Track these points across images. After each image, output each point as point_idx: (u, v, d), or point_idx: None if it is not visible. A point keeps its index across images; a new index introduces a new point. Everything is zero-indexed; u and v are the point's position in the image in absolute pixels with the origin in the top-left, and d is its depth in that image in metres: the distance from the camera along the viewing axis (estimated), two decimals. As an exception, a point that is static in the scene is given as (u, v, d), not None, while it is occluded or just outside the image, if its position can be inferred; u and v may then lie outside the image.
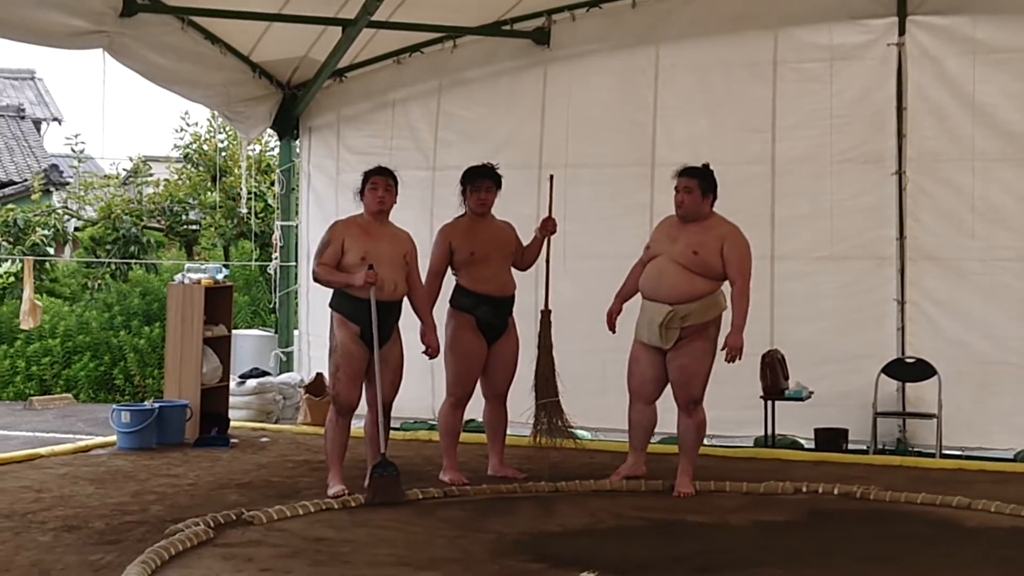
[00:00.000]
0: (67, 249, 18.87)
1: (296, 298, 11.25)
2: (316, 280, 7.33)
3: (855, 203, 9.36)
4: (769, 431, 9.06)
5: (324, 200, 10.85)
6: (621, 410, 7.75)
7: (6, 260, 15.81)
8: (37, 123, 26.19)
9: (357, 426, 7.66)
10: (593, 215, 9.77)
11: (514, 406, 7.89)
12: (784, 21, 9.57)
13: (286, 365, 11.18)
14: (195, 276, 9.75)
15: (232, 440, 9.28)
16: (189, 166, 18.06)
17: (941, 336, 9.15)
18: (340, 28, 9.52)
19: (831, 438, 9.08)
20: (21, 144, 24.09)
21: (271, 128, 11.23)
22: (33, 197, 17.71)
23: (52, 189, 20.08)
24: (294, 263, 11.22)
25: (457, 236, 7.69)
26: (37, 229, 16.32)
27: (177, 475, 7.95)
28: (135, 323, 14.54)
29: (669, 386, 7.46)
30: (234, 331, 10.51)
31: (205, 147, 17.83)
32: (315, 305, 10.50)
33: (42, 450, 8.74)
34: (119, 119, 25.47)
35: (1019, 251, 9.01)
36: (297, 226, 11.24)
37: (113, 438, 9.11)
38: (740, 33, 9.67)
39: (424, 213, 9.92)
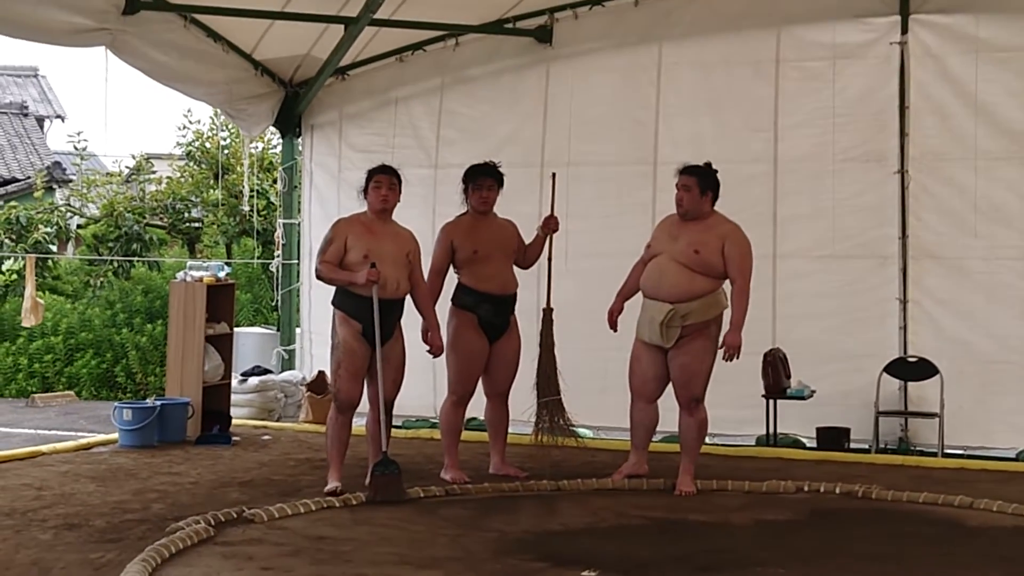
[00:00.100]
0: (70, 247, 18.87)
1: (298, 296, 11.24)
2: (319, 278, 7.33)
3: (857, 202, 9.35)
4: (771, 430, 9.05)
5: (326, 198, 10.85)
6: (623, 408, 7.75)
7: (9, 258, 15.81)
8: (40, 120, 26.20)
9: (359, 424, 7.66)
10: (595, 213, 9.76)
11: (516, 404, 7.89)
12: (787, 19, 9.56)
13: (288, 363, 11.18)
14: (197, 274, 9.75)
15: (234, 438, 9.28)
16: (192, 164, 18.08)
17: (943, 335, 9.14)
18: (342, 26, 9.52)
19: (833, 437, 9.07)
20: (24, 141, 24.10)
21: (273, 126, 11.22)
22: (35, 194, 17.71)
23: (55, 186, 20.08)
24: (296, 261, 11.22)
25: (459, 234, 7.69)
26: (40, 226, 16.32)
27: (178, 473, 7.95)
28: (137, 321, 14.55)
29: (671, 385, 7.46)
30: (236, 329, 10.52)
31: (208, 145, 17.85)
32: (317, 303, 10.50)
33: (43, 447, 8.74)
34: (122, 116, 25.53)
35: (1022, 250, 9.00)
36: (299, 224, 11.23)
37: (115, 436, 9.11)
38: (742, 31, 9.67)
39: (426, 211, 9.92)
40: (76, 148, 19.53)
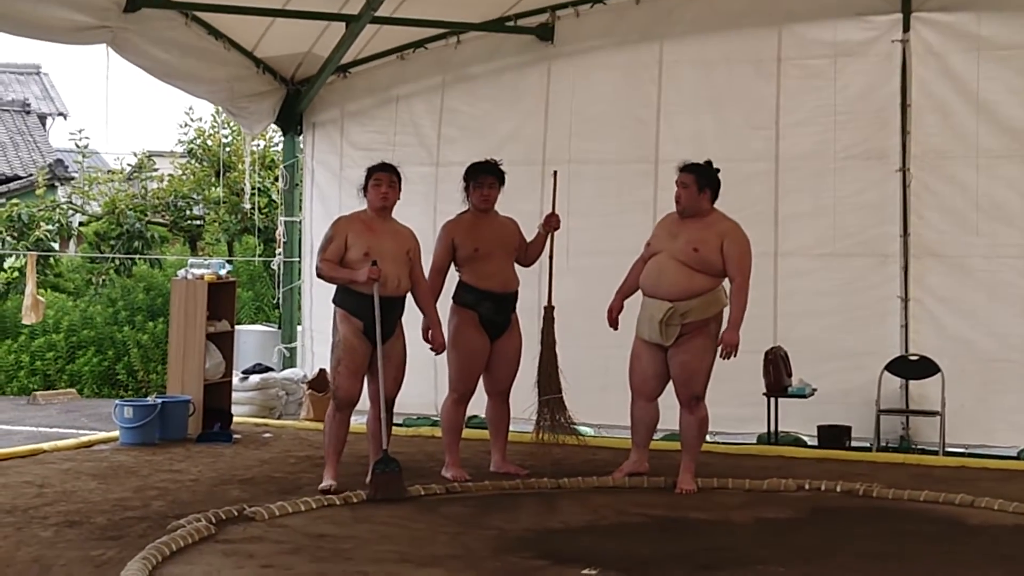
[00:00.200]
0: (71, 244, 18.87)
1: (299, 294, 11.24)
2: (319, 276, 7.33)
3: (859, 200, 9.34)
4: (772, 428, 9.05)
5: (327, 196, 10.85)
6: (624, 406, 7.74)
7: (10, 255, 15.81)
8: (42, 118, 26.19)
9: (360, 422, 7.66)
10: (596, 211, 9.76)
11: (517, 402, 7.89)
12: (788, 17, 9.55)
13: (289, 361, 11.18)
14: (198, 271, 9.75)
15: (235, 436, 9.29)
16: (193, 161, 18.07)
17: (945, 333, 9.14)
18: (344, 24, 9.52)
19: (834, 435, 9.07)
20: (26, 139, 24.08)
21: (275, 124, 11.22)
22: (37, 192, 17.70)
23: (57, 184, 20.06)
24: (298, 259, 11.21)
25: (460, 232, 7.68)
26: (41, 224, 16.32)
27: (179, 471, 7.95)
28: (139, 318, 14.55)
29: (671, 383, 7.46)
30: (237, 327, 10.52)
31: (209, 142, 17.84)
32: (318, 301, 10.50)
33: (45, 445, 8.75)
34: (124, 114, 25.51)
35: (1023, 248, 8.98)
36: (301, 222, 11.23)
37: (116, 433, 9.11)
38: (744, 29, 9.66)
39: (427, 209, 9.92)
40: (78, 146, 19.51)
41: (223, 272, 9.91)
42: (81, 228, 17.79)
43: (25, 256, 14.60)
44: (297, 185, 11.33)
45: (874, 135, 9.32)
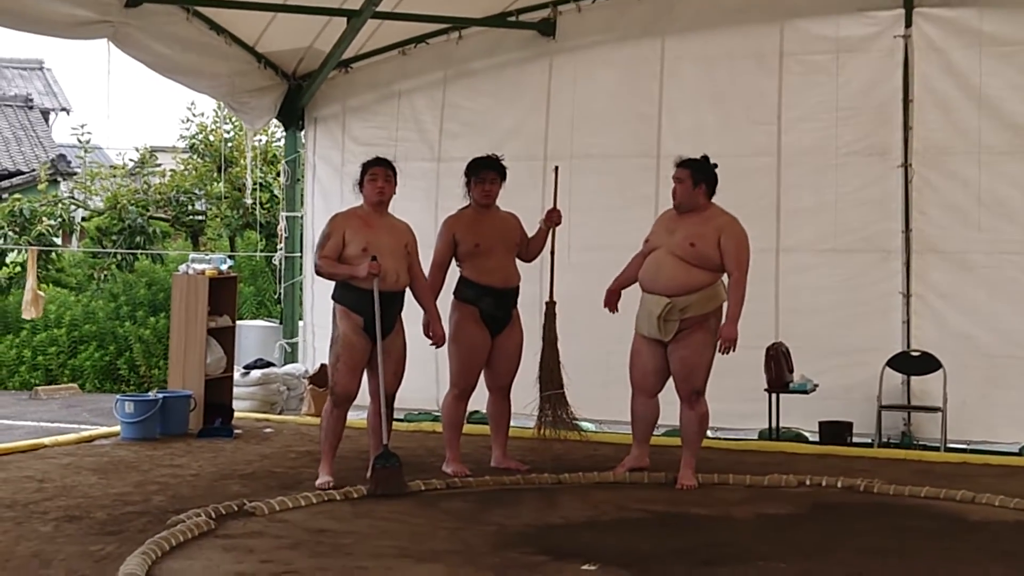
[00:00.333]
0: (73, 239, 18.89)
1: (301, 289, 11.24)
2: (319, 273, 7.32)
3: (861, 195, 9.34)
4: (773, 424, 9.04)
5: (329, 191, 10.84)
6: (625, 402, 7.73)
7: (12, 250, 15.83)
8: (45, 113, 26.20)
9: (360, 417, 7.65)
10: (598, 207, 9.75)
11: (518, 398, 7.88)
12: (790, 13, 9.55)
13: (290, 356, 11.19)
14: (199, 266, 9.74)
15: (236, 431, 9.28)
16: (195, 156, 18.10)
17: (947, 329, 9.14)
18: (345, 19, 9.51)
19: (835, 431, 9.07)
20: (29, 134, 24.09)
21: (276, 119, 11.23)
22: (40, 187, 17.72)
23: (59, 179, 20.08)
24: (299, 254, 11.22)
25: (461, 228, 7.68)
26: (44, 219, 16.33)
27: (180, 465, 7.94)
28: (141, 313, 14.57)
29: (672, 378, 7.45)
30: (239, 322, 10.51)
31: (211, 138, 17.85)
32: (320, 296, 10.49)
33: (45, 440, 8.74)
34: (126, 109, 25.50)
35: (1025, 244, 9.00)
36: (302, 217, 11.24)
37: (117, 428, 9.11)
38: (746, 25, 9.66)
39: (429, 204, 9.93)
40: (80, 141, 19.55)
41: (224, 267, 9.90)
42: (83, 223, 17.81)
43: (27, 251, 14.61)
44: (299, 180, 11.34)
45: (876, 131, 9.32)
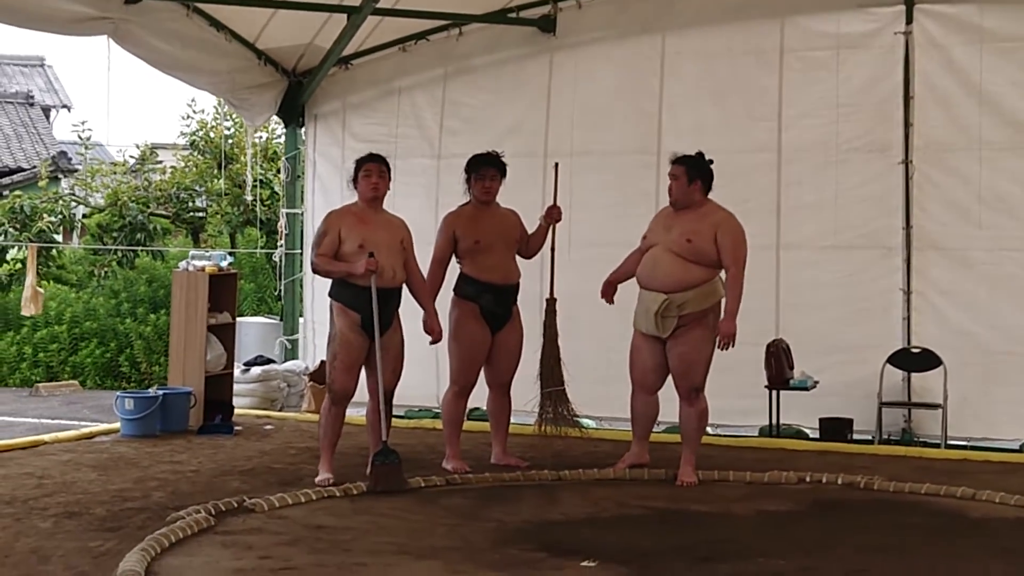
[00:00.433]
0: (74, 236, 18.88)
1: (301, 286, 11.23)
2: (315, 271, 7.33)
3: (861, 192, 9.33)
4: (774, 421, 9.04)
5: (329, 188, 10.82)
6: (625, 399, 7.73)
7: (13, 247, 15.82)
8: (46, 110, 26.20)
9: (360, 414, 7.65)
10: (598, 203, 9.74)
11: (519, 395, 7.88)
12: (790, 9, 9.53)
13: (291, 353, 11.18)
14: (199, 263, 9.74)
15: (236, 427, 9.28)
16: (195, 153, 18.08)
17: (947, 326, 9.12)
18: (345, 15, 9.50)
19: (836, 428, 9.06)
20: (30, 131, 24.10)
21: (276, 115, 11.22)
22: (40, 184, 17.72)
23: (60, 176, 20.08)
24: (299, 251, 11.20)
25: (461, 224, 7.67)
26: (44, 216, 16.32)
27: (180, 462, 7.95)
28: (141, 310, 14.57)
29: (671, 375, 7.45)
30: (239, 318, 10.52)
31: (211, 134, 17.84)
32: (320, 293, 10.41)
33: (45, 436, 8.75)
34: (127, 106, 25.49)
35: (1026, 240, 8.98)
36: (303, 214, 11.22)
37: (117, 425, 9.11)
38: (746, 21, 9.64)
39: (429, 201, 9.92)
40: (81, 138, 19.54)
41: (224, 264, 9.90)
42: (84, 220, 17.81)
43: (27, 248, 14.61)
44: (299, 177, 11.33)
45: (877, 127, 9.30)
